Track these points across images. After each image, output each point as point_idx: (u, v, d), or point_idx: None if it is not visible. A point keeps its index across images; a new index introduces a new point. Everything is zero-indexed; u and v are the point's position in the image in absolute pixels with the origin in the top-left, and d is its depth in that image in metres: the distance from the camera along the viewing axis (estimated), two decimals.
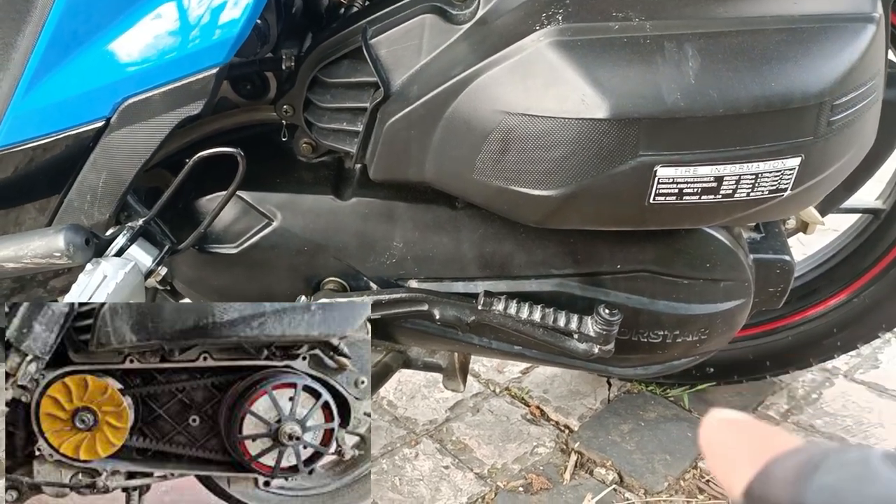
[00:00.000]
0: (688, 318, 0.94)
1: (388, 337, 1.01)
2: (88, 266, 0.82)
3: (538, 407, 1.45)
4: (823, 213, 1.17)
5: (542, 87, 0.73)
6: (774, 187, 0.75)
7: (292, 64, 0.88)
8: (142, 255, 0.85)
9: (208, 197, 0.92)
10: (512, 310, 0.89)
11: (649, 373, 1.04)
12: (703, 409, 1.40)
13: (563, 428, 1.40)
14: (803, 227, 1.13)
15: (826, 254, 1.35)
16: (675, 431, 1.36)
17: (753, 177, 0.74)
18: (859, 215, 1.32)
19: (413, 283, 0.94)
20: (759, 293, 0.98)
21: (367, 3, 0.92)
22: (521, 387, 1.51)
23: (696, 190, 0.74)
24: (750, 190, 0.75)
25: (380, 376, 1.08)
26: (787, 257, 0.99)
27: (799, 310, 1.36)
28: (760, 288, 0.98)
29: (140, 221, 0.86)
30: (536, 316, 0.89)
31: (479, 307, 0.89)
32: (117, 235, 0.85)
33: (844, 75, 0.72)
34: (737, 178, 0.74)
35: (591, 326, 0.89)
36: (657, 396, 1.45)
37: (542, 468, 1.30)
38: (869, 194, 1.30)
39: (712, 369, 1.37)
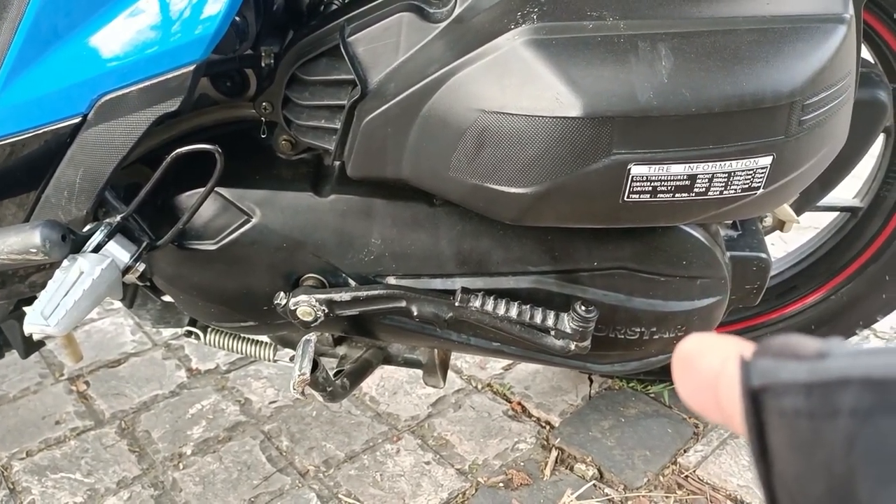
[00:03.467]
0: (665, 315, 0.95)
1: (368, 333, 1.02)
2: (65, 262, 0.82)
3: (520, 403, 1.46)
4: (800, 211, 1.18)
5: (517, 86, 0.73)
6: (747, 186, 0.76)
7: (272, 61, 0.89)
8: (119, 252, 0.85)
9: (187, 193, 0.92)
10: (489, 306, 0.89)
11: (627, 369, 1.05)
12: (683, 406, 1.41)
13: (544, 424, 1.41)
14: (780, 224, 1.14)
15: (804, 251, 1.36)
16: (655, 427, 1.37)
17: (726, 175, 0.75)
18: (837, 213, 1.33)
19: (391, 280, 0.94)
20: (735, 290, 0.99)
21: (345, 0, 0.92)
22: (503, 383, 1.52)
23: (669, 188, 0.75)
24: (723, 188, 0.76)
25: (360, 372, 1.08)
26: (763, 255, 1.00)
27: (778, 307, 1.37)
28: (737, 285, 0.99)
29: (118, 217, 0.86)
30: (513, 312, 0.89)
31: (457, 304, 0.89)
32: (94, 231, 0.85)
33: (815, 75, 0.73)
34: (710, 176, 0.74)
35: (567, 323, 0.90)
36: (638, 393, 1.46)
37: (522, 464, 1.30)
38: (848, 192, 1.31)
39: None
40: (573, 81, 0.71)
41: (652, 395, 1.45)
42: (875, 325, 1.42)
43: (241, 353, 1.15)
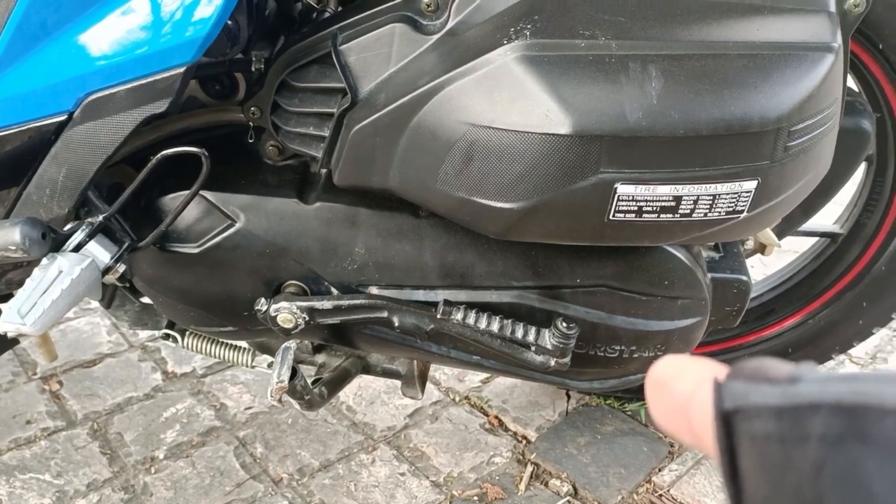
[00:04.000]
0: (645, 334, 0.95)
1: (348, 342, 1.01)
2: (44, 260, 0.81)
3: (497, 417, 1.46)
4: (781, 235, 1.20)
5: (508, 101, 0.73)
6: (731, 209, 0.77)
7: (262, 66, 0.88)
8: (100, 252, 0.84)
9: (171, 195, 0.91)
10: (470, 319, 0.89)
11: (605, 386, 1.05)
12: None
13: (520, 438, 1.40)
14: (761, 248, 1.15)
15: (784, 275, 1.37)
16: (630, 445, 1.37)
17: (711, 198, 0.75)
18: (817, 238, 1.34)
19: (374, 290, 0.94)
20: (715, 312, 1.00)
21: (339, 8, 0.92)
22: (481, 396, 1.51)
23: (654, 208, 0.75)
24: (707, 210, 0.76)
25: (338, 381, 1.08)
26: (744, 277, 1.01)
27: (755, 329, 1.38)
28: (717, 307, 1.00)
29: (100, 217, 0.85)
30: (494, 327, 0.89)
31: (439, 316, 0.89)
32: (75, 230, 0.84)
33: (802, 102, 0.74)
34: (695, 198, 0.75)
35: (548, 339, 0.90)
36: (615, 410, 1.47)
37: (497, 478, 1.30)
38: (828, 218, 1.33)
39: None
40: (564, 99, 0.71)
41: (629, 413, 1.45)
42: (851, 351, 1.43)
43: (219, 358, 1.14)
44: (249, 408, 1.46)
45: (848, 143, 1.04)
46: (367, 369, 1.15)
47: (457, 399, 1.51)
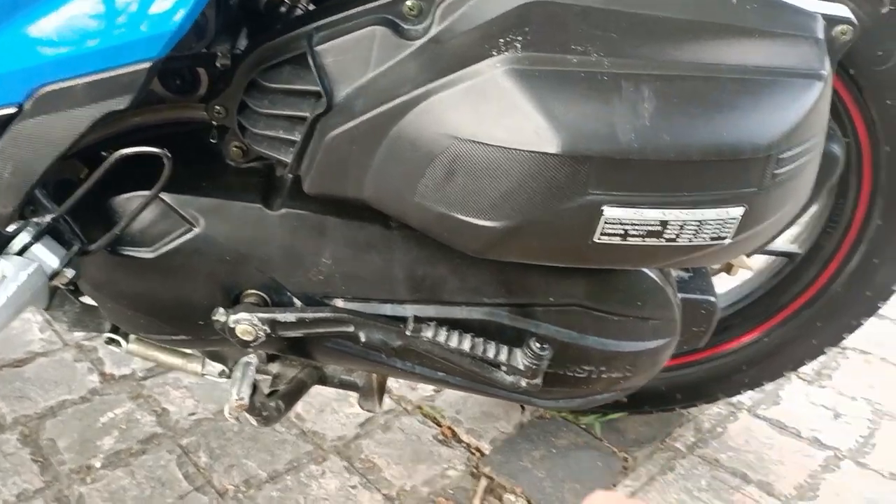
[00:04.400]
0: (615, 355, 0.94)
1: (307, 354, 0.97)
2: None
3: (450, 428, 1.43)
4: (748, 255, 1.19)
5: (495, 115, 0.70)
6: (716, 235, 0.75)
7: (228, 62, 0.83)
8: (47, 255, 0.78)
9: (126, 196, 0.85)
10: (441, 338, 0.86)
11: (571, 405, 1.03)
12: (613, 438, 1.41)
13: (474, 451, 1.38)
14: (728, 268, 1.14)
15: (741, 292, 1.37)
16: (585, 460, 1.36)
17: (698, 223, 0.73)
18: (776, 257, 1.35)
19: (339, 302, 0.89)
20: (683, 332, 0.99)
21: (310, 6, 0.88)
22: (434, 406, 1.48)
23: (641, 232, 0.73)
24: (693, 236, 0.74)
25: (294, 393, 1.03)
26: (712, 298, 1.01)
27: (711, 346, 1.38)
28: (685, 327, 0.99)
29: (47, 218, 0.79)
30: (466, 345, 0.86)
31: (408, 333, 0.86)
32: (21, 231, 0.78)
33: (792, 130, 0.72)
34: (682, 223, 0.73)
35: (520, 359, 0.87)
36: (569, 423, 1.45)
37: (451, 492, 1.27)
38: (786, 237, 1.34)
39: (624, 399, 1.37)
40: (554, 116, 0.69)
41: (583, 427, 1.44)
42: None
43: (168, 366, 1.08)
44: (193, 413, 1.39)
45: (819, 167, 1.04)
46: (324, 380, 1.11)
47: (409, 408, 1.48)
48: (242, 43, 0.86)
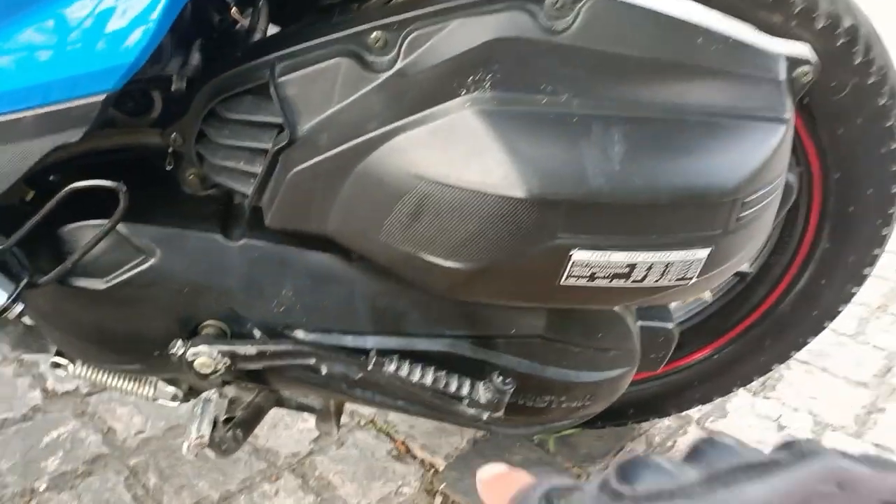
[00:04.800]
0: (575, 385, 0.94)
1: (264, 382, 0.95)
2: None
3: (404, 443, 1.42)
4: None
5: (463, 157, 0.69)
6: (682, 276, 0.76)
7: (183, 85, 0.80)
8: None
9: (76, 225, 0.82)
10: (403, 372, 0.85)
11: (530, 432, 1.03)
12: (566, 453, 1.42)
13: (428, 467, 1.37)
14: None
15: (694, 310, 1.39)
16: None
17: (664, 265, 0.74)
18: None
19: (300, 334, 0.88)
20: (641, 359, 1.00)
21: (268, 27, 0.85)
22: (388, 420, 1.47)
23: (607, 274, 0.73)
24: (659, 277, 0.75)
25: (252, 420, 1.01)
26: (669, 325, 1.02)
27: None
28: (643, 354, 1.00)
29: None
30: (428, 380, 0.85)
31: (369, 368, 0.85)
32: None
33: (756, 173, 0.73)
34: (649, 265, 0.73)
35: (482, 393, 0.87)
36: (522, 439, 1.46)
37: None
38: None
39: None
40: (524, 159, 0.68)
41: (536, 442, 1.45)
42: None
43: (118, 391, 1.04)
44: (140, 432, 1.36)
45: None
46: (281, 403, 1.09)
47: (362, 422, 1.46)
48: (196, 61, 0.83)
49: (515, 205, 0.68)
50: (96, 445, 1.31)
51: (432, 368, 0.86)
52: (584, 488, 0.35)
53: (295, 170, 0.75)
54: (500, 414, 0.88)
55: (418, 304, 0.87)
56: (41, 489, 1.21)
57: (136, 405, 1.42)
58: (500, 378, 0.86)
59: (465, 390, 0.86)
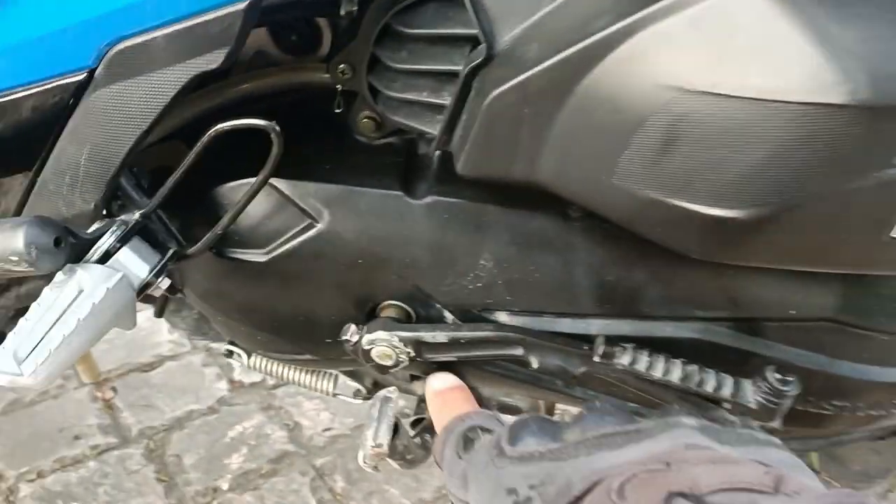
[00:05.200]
0: (877, 386, 0.70)
1: (460, 377, 0.77)
2: (59, 275, 0.59)
3: None
4: None
5: (744, 53, 0.47)
6: None
7: (355, 8, 0.64)
8: (135, 263, 0.62)
9: (230, 184, 0.68)
10: (641, 365, 0.64)
11: (807, 447, 0.79)
12: (834, 470, 1.15)
13: None
14: None
15: None
16: None
17: None
18: None
19: (503, 317, 0.69)
20: None
21: None
22: None
23: None
24: None
25: None
26: None
27: None
28: None
29: (136, 215, 0.63)
30: (675, 376, 0.64)
31: (597, 359, 0.64)
32: (103, 233, 0.62)
33: None
34: None
35: (751, 395, 0.64)
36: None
37: None
38: None
39: None
40: (843, 49, 0.45)
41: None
42: None
43: (295, 383, 0.92)
44: (328, 429, 1.24)
45: None
46: (479, 403, 0.91)
47: None
48: None
49: (827, 116, 0.46)
50: (282, 442, 1.21)
51: (680, 361, 0.64)
52: (491, 438, 0.45)
53: (495, 93, 0.56)
54: (775, 424, 0.65)
55: (661, 276, 0.66)
56: (224, 488, 1.13)
57: (322, 399, 1.31)
58: (778, 376, 0.63)
59: (726, 390, 0.64)
